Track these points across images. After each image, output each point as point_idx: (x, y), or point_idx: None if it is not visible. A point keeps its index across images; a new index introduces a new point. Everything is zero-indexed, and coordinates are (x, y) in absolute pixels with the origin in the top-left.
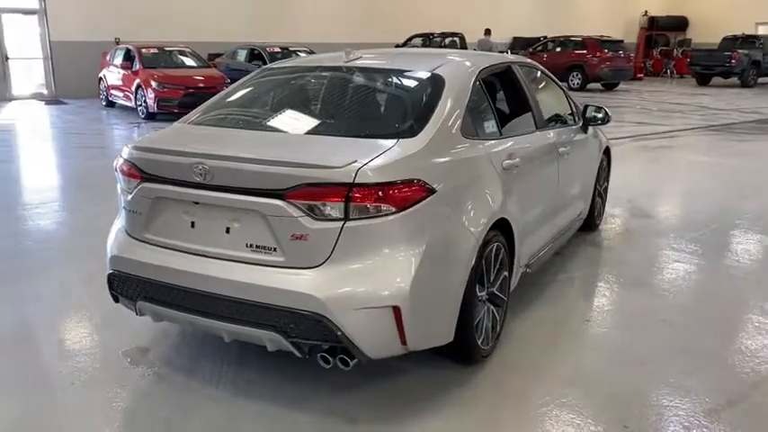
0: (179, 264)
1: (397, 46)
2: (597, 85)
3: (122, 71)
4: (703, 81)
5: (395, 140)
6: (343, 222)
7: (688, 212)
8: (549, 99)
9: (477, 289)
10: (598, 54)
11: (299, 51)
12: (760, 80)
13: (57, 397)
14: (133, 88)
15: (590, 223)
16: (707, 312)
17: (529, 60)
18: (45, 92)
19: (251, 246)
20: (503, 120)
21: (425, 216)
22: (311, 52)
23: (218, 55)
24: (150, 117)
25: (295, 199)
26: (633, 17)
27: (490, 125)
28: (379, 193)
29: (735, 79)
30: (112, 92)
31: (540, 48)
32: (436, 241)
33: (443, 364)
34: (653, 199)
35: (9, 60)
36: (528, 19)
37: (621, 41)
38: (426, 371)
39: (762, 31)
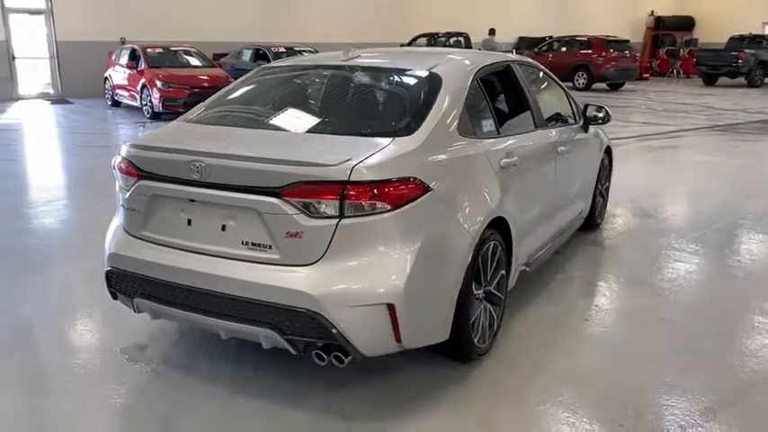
0: (175, 261)
1: (402, 46)
2: (603, 85)
3: (128, 71)
4: (710, 81)
5: (391, 139)
6: (338, 220)
7: (690, 212)
8: (549, 98)
9: (474, 287)
10: (604, 54)
11: (303, 51)
12: (767, 80)
13: (55, 393)
14: (138, 88)
15: (591, 223)
16: (707, 312)
17: (529, 60)
18: (51, 91)
19: (246, 243)
20: (501, 119)
21: (421, 214)
22: (316, 52)
23: (224, 55)
24: (155, 116)
25: (290, 197)
26: (639, 17)
27: (488, 124)
28: (374, 190)
29: (742, 79)
30: (118, 91)
31: (545, 48)
32: (432, 239)
33: (440, 361)
34: (655, 199)
35: (16, 60)
36: (534, 19)
37: (627, 41)
38: (422, 368)
39: None
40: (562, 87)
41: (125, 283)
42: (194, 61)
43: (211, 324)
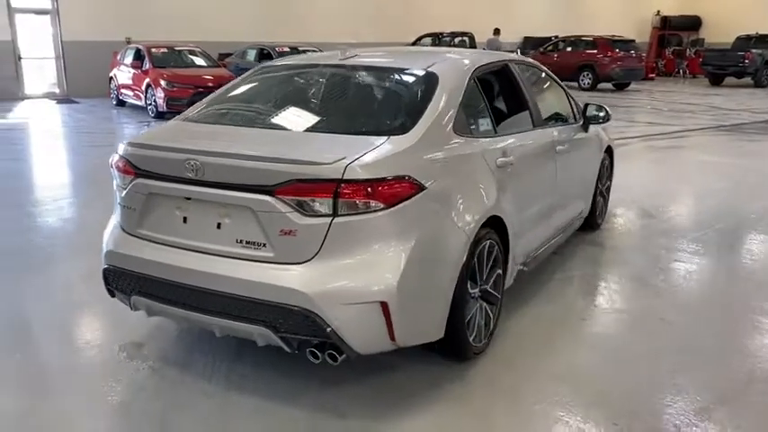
0: (171, 259)
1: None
2: (608, 85)
3: (133, 70)
4: (716, 81)
5: (386, 137)
6: (331, 218)
7: (692, 212)
8: (548, 98)
9: (469, 286)
10: (609, 54)
11: (308, 51)
12: None
13: (52, 390)
14: (143, 87)
15: (591, 223)
16: (707, 312)
17: (528, 59)
18: (57, 91)
19: (241, 241)
20: (498, 118)
21: (415, 212)
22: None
23: (229, 55)
24: (160, 116)
25: (284, 195)
26: (646, 17)
27: (485, 123)
28: (368, 189)
29: (748, 79)
30: (123, 91)
31: (550, 47)
32: (426, 237)
33: (436, 360)
34: (657, 199)
35: (22, 60)
36: (539, 19)
37: (633, 41)
38: (418, 367)
39: None
40: (562, 87)
41: (122, 280)
42: (199, 61)
43: (206, 321)
